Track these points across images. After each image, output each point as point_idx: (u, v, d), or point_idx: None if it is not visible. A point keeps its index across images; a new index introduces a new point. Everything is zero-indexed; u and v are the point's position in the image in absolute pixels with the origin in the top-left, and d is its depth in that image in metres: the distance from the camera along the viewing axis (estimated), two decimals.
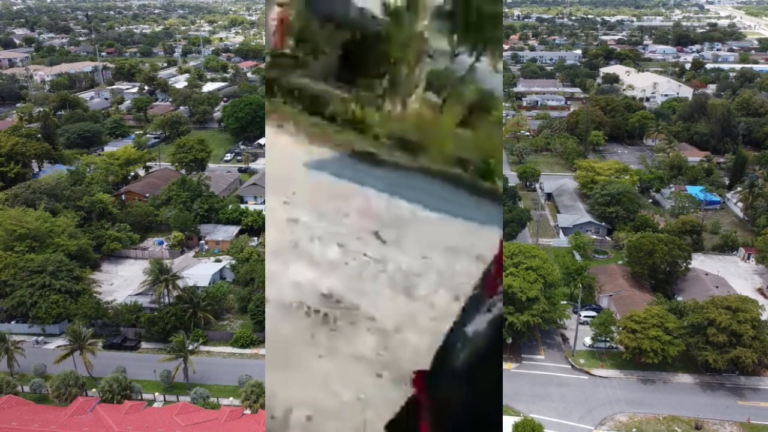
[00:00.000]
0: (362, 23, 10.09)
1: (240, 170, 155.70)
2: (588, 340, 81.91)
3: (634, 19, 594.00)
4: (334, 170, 9.87)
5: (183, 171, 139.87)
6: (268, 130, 9.94)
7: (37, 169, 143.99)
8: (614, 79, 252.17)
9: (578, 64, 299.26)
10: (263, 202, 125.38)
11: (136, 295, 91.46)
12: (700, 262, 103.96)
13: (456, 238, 9.97)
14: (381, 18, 10.14)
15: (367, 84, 9.84)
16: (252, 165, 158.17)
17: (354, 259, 10.25)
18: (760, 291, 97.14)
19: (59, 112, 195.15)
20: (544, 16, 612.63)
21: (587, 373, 77.24)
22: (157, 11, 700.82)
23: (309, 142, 10.00)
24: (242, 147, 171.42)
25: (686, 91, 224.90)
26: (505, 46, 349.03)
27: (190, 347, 75.13)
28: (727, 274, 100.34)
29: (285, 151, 9.92)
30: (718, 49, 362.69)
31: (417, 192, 10.03)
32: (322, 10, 10.15)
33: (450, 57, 10.43)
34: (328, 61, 10.13)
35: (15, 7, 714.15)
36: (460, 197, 9.99)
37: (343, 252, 10.23)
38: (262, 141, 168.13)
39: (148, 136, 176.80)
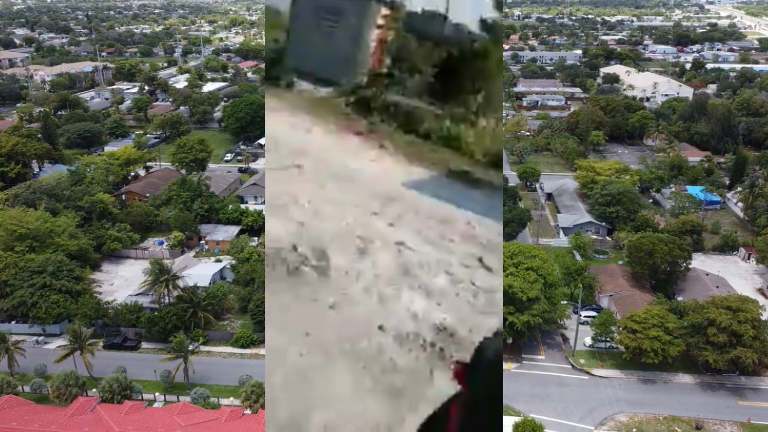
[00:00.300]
0: (459, 40, 9.98)
1: (240, 170, 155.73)
2: (588, 340, 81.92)
3: (635, 19, 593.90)
4: (432, 191, 9.74)
5: (183, 171, 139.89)
6: (365, 152, 9.91)
7: (37, 169, 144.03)
8: (614, 79, 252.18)
9: (578, 64, 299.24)
10: (263, 202, 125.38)
11: (137, 295, 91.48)
12: (700, 262, 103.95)
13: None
14: (478, 33, 9.99)
15: (463, 100, 9.79)
16: (252, 165, 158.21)
17: (464, 289, 10.11)
18: (761, 291, 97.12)
19: (59, 112, 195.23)
20: (545, 16, 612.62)
21: (587, 373, 77.24)
22: (157, 11, 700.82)
23: (407, 162, 9.95)
24: (242, 147, 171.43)
25: (686, 91, 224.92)
26: (506, 46, 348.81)
27: (191, 347, 75.15)
28: (728, 274, 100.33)
29: (383, 170, 9.89)
30: (718, 49, 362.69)
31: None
32: (419, 28, 10.16)
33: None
34: (424, 78, 10.14)
35: (15, 7, 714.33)
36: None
37: (452, 281, 10.08)
38: (262, 141, 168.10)
39: (148, 136, 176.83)
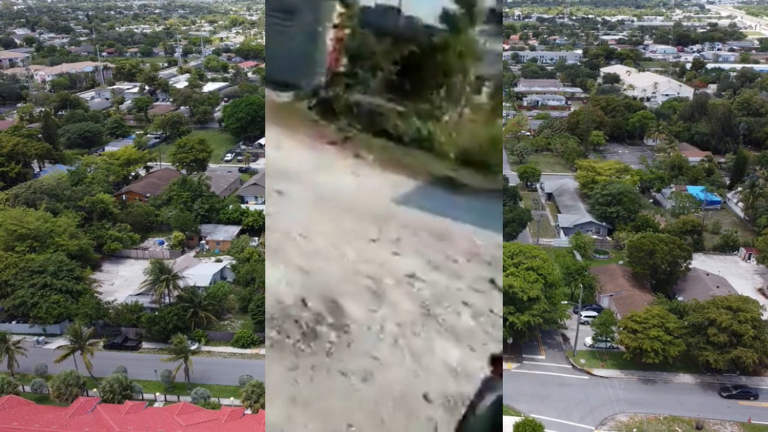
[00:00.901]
0: (418, 35, 9.56)
1: (240, 170, 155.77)
2: (589, 340, 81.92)
3: (635, 18, 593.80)
4: (420, 203, 9.08)
5: (184, 171, 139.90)
6: (342, 164, 9.06)
7: (37, 169, 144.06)
8: (615, 79, 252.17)
9: (579, 63, 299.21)
10: (263, 202, 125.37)
11: (137, 295, 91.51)
12: (700, 262, 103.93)
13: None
14: (438, 27, 9.58)
15: (426, 96, 9.35)
16: (252, 165, 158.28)
17: (486, 322, 9.04)
18: (761, 291, 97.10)
19: (60, 112, 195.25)
20: (545, 16, 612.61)
21: (588, 373, 77.23)
22: (157, 11, 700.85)
23: (387, 171, 9.35)
24: (243, 147, 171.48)
25: (687, 91, 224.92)
26: (506, 46, 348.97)
27: (191, 347, 75.16)
28: (728, 274, 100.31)
29: (366, 185, 9.15)
30: (718, 49, 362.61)
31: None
32: (374, 24, 9.79)
33: (499, 59, 9.88)
34: (385, 76, 9.68)
35: (16, 7, 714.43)
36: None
37: (473, 314, 8.96)
38: (262, 141, 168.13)
39: (148, 136, 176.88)
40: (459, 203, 8.86)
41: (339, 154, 9.12)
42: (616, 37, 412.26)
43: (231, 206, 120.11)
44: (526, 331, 77.04)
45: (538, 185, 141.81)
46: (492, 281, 8.76)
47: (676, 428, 67.52)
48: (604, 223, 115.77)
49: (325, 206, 8.97)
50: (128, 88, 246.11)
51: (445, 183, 8.95)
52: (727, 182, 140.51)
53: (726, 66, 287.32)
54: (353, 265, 8.79)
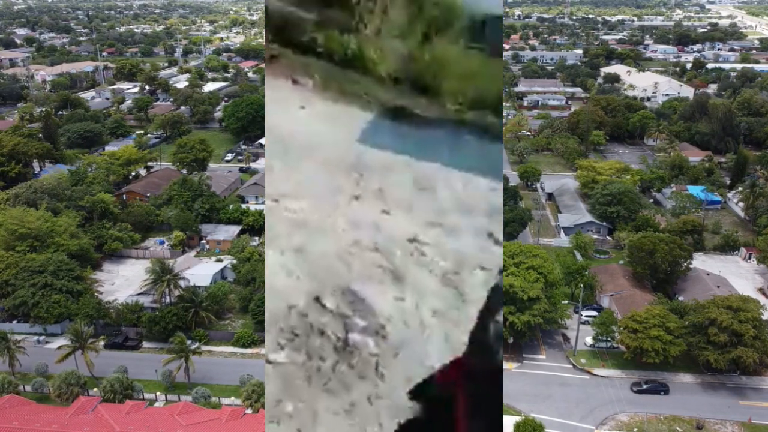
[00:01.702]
0: None
1: (241, 170, 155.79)
2: (589, 340, 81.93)
3: (635, 18, 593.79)
4: (382, 141, 7.33)
5: (184, 171, 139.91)
6: (286, 95, 7.22)
7: (38, 169, 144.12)
8: (615, 78, 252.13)
9: (579, 63, 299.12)
10: (263, 202, 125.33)
11: (138, 294, 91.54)
12: (701, 261, 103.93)
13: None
14: None
15: (344, 4, 7.22)
16: (253, 165, 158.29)
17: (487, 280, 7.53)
18: (761, 291, 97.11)
19: (60, 112, 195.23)
20: (545, 15, 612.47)
21: (588, 372, 77.26)
22: (157, 11, 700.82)
23: (338, 102, 7.33)
24: (243, 147, 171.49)
25: (687, 91, 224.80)
26: (506, 46, 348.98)
27: (192, 347, 75.20)
28: (728, 273, 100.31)
29: (321, 123, 7.35)
30: (719, 49, 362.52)
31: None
32: None
33: None
34: None
35: (16, 7, 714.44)
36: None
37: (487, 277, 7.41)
38: (262, 141, 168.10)
39: (149, 135, 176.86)
40: (429, 141, 7.12)
41: (277, 81, 7.17)
42: (617, 37, 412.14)
43: (231, 206, 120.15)
44: (526, 330, 77.06)
45: (538, 185, 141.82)
46: (490, 235, 7.08)
47: (677, 428, 67.54)
48: (604, 223, 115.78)
49: (288, 156, 7.13)
50: (128, 88, 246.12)
51: (401, 115, 7.20)
52: (728, 182, 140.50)
53: (726, 66, 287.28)
54: (349, 237, 7.01)
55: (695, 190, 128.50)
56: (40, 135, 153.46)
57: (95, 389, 70.87)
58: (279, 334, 7.10)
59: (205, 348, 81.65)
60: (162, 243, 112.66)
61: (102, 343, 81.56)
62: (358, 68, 7.48)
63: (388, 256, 7.38)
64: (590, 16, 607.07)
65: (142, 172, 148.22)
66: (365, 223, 7.46)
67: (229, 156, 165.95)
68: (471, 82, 7.60)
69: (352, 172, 7.40)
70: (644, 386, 73.55)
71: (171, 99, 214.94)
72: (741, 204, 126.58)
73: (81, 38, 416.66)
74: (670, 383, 74.99)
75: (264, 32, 7.73)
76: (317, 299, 7.04)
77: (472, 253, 7.45)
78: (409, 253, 7.35)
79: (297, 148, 7.31)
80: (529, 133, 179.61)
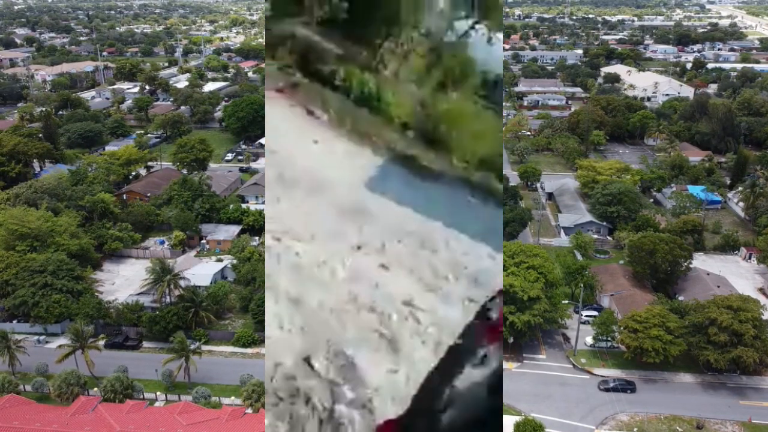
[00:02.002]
0: None
1: (241, 170, 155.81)
2: (589, 340, 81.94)
3: (635, 18, 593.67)
4: (390, 190, 6.91)
5: (184, 171, 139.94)
6: (301, 125, 6.62)
7: (38, 169, 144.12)
8: (615, 78, 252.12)
9: (579, 63, 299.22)
10: (264, 202, 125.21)
11: (138, 294, 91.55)
12: (701, 261, 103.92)
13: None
14: None
15: (368, 43, 7.13)
16: (253, 165, 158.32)
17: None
18: (762, 291, 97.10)
19: (60, 112, 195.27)
20: (545, 15, 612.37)
21: (589, 372, 77.26)
22: (158, 11, 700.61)
23: (340, 136, 7.25)
24: (243, 147, 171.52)
25: (687, 91, 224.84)
26: (506, 46, 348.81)
27: (192, 347, 75.20)
28: (729, 273, 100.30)
29: (333, 161, 6.87)
30: (719, 49, 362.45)
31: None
32: None
33: (447, 21, 7.85)
34: (332, 10, 7.56)
35: (16, 7, 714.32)
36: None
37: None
38: (262, 141, 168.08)
39: (149, 135, 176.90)
40: (434, 196, 6.64)
41: (291, 110, 6.80)
42: (617, 37, 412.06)
43: (231, 206, 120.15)
44: (526, 330, 77.08)
45: (538, 185, 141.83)
46: (484, 307, 6.61)
47: (677, 428, 67.54)
48: (604, 223, 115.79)
49: (295, 191, 6.57)
50: (129, 88, 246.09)
51: (410, 165, 6.81)
52: (728, 182, 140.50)
53: (726, 66, 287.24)
54: (347, 291, 6.43)
55: (695, 190, 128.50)
56: (41, 135, 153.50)
57: (95, 389, 70.90)
58: (271, 395, 6.80)
59: (205, 348, 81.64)
60: (162, 243, 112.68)
61: (102, 342, 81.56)
62: (372, 108, 7.53)
63: (384, 319, 7.03)
64: (590, 16, 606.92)
65: (143, 172, 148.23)
66: (364, 276, 7.21)
67: (230, 156, 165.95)
68: (480, 141, 7.69)
69: (356, 218, 7.21)
70: (611, 384, 73.65)
71: (171, 99, 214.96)
72: (741, 204, 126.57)
73: (81, 38, 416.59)
74: (671, 383, 75.02)
75: (268, 55, 7.56)
76: (307, 360, 6.58)
77: (465, 323, 7.24)
78: (404, 317, 7.05)
79: (306, 185, 7.12)
80: (529, 133, 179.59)
